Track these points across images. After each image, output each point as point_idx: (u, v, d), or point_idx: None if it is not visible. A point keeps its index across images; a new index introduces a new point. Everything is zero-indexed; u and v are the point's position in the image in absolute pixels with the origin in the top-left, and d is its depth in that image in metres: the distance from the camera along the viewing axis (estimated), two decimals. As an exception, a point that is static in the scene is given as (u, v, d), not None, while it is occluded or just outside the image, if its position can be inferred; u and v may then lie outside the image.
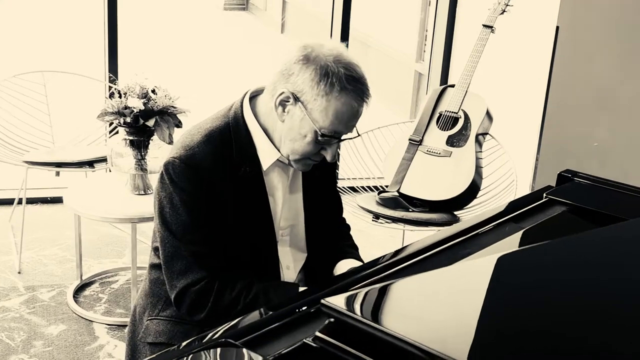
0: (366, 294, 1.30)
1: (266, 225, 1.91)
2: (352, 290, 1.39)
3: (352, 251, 2.08)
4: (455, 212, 3.36)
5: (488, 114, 3.44)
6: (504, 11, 3.54)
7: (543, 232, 1.75)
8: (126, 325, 3.21)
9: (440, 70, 4.66)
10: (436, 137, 3.44)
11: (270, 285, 1.90)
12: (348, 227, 2.20)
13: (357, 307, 1.24)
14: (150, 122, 3.03)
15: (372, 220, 3.28)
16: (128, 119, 3.03)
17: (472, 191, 3.33)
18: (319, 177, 2.01)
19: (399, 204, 3.32)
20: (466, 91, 3.45)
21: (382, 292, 1.32)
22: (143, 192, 3.21)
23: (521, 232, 1.71)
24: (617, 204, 1.94)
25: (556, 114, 3.81)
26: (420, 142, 3.46)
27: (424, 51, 6.32)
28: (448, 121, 3.44)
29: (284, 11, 10.31)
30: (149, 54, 7.94)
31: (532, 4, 3.97)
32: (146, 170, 3.19)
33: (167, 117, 3.08)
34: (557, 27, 3.67)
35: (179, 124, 3.12)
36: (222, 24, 10.83)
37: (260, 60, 8.68)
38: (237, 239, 1.86)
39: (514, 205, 1.91)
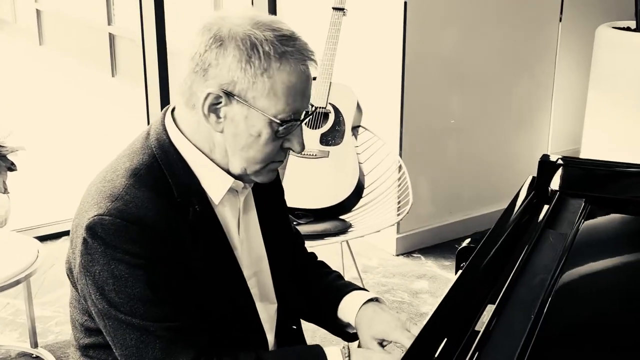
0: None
1: (236, 276, 1.46)
2: None
3: (347, 282, 1.68)
4: (342, 217, 3.02)
5: (358, 104, 3.12)
6: (352, -10, 3.22)
7: (592, 234, 1.46)
8: None
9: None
10: (308, 138, 3.06)
11: (286, 352, 1.47)
12: (315, 256, 1.79)
13: None
14: (-22, 170, 2.38)
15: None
16: (-53, 171, 2.36)
17: (358, 192, 3.00)
18: (270, 204, 1.58)
19: (285, 219, 2.91)
20: (330, 82, 3.11)
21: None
22: (-25, 259, 2.55)
23: (574, 238, 1.41)
24: (627, 186, 1.72)
25: (413, 93, 3.60)
26: (291, 145, 3.06)
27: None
28: (317, 118, 3.08)
29: (40, 21, 9.36)
30: None
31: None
32: (-25, 230, 2.52)
33: (-3, 160, 2.44)
34: (405, 3, 3.44)
35: (12, 167, 2.49)
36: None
37: (26, 77, 7.78)
38: (208, 303, 1.39)
39: (516, 209, 1.60)
